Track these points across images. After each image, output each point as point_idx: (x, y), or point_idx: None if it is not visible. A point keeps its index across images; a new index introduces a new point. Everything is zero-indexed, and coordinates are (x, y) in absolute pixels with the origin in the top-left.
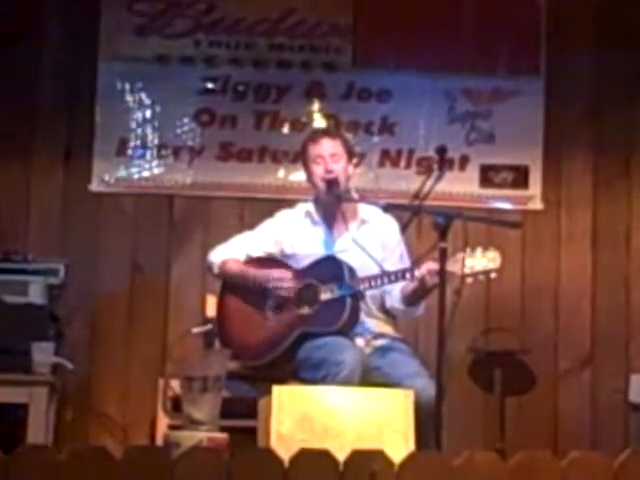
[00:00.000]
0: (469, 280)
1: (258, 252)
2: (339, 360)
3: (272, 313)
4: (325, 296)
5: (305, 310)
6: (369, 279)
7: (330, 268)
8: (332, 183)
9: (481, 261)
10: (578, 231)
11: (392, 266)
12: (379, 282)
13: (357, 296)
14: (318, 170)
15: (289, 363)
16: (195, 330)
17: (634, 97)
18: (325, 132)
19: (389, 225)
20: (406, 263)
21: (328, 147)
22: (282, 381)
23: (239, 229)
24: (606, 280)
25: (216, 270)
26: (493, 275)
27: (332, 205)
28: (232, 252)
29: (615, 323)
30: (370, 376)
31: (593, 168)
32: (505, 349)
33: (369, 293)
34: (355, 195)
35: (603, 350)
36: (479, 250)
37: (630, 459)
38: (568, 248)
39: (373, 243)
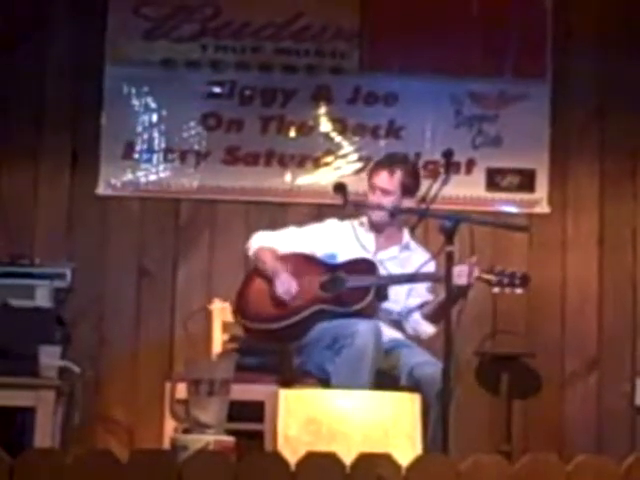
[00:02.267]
0: (495, 290)
1: (302, 249)
2: (352, 330)
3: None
4: (351, 284)
5: (327, 293)
6: (397, 276)
7: (363, 267)
8: (340, 188)
9: (508, 279)
10: (584, 234)
11: (418, 295)
12: (409, 279)
13: (382, 290)
14: (371, 197)
15: (299, 337)
16: (210, 307)
17: None
18: (387, 164)
19: (427, 260)
20: (430, 299)
21: (382, 181)
22: (289, 379)
23: (245, 233)
24: (613, 283)
25: (250, 252)
26: (518, 291)
27: (387, 227)
28: (272, 241)
29: (622, 326)
30: (382, 349)
31: (599, 171)
32: (511, 352)
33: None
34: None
35: (610, 353)
36: (511, 269)
37: (636, 463)
38: (574, 251)
39: (407, 269)
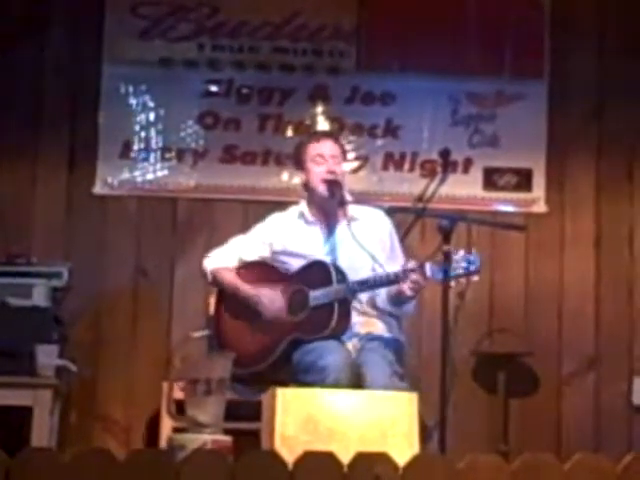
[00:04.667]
0: (452, 284)
1: (251, 256)
2: (323, 366)
3: (263, 321)
4: (314, 302)
5: (296, 317)
6: (357, 283)
7: (318, 273)
8: (334, 185)
9: (462, 264)
10: (581, 233)
11: (384, 260)
12: (365, 286)
13: (346, 300)
14: (318, 169)
15: (284, 368)
16: (195, 334)
17: (637, 100)
18: (325, 134)
19: (378, 220)
20: (398, 256)
21: (330, 148)
22: (283, 383)
23: (242, 232)
24: (610, 282)
25: (209, 278)
26: (475, 278)
27: (331, 207)
28: (225, 258)
29: (619, 325)
30: (357, 378)
31: (596, 171)
32: (509, 351)
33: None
34: (348, 196)
35: (607, 353)
36: (461, 252)
37: (634, 462)
38: (572, 250)
39: (362, 238)
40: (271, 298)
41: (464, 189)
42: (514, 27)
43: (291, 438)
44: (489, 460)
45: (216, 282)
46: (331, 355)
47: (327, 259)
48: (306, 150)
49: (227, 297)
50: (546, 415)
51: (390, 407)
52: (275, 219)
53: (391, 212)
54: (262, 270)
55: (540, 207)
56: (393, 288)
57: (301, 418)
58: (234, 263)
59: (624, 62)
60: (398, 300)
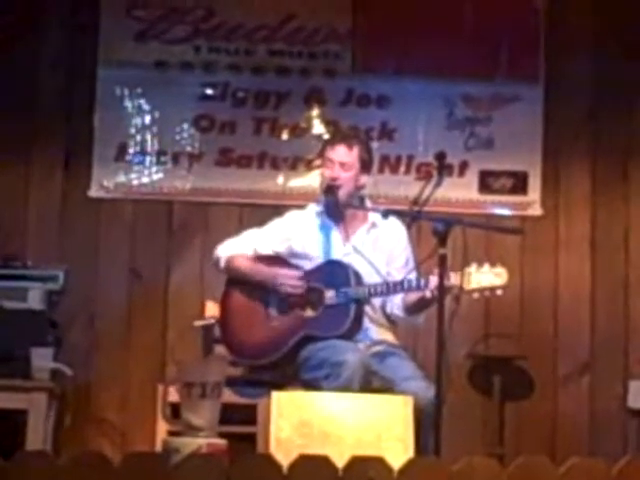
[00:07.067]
0: (475, 295)
1: (266, 250)
2: (341, 361)
3: (276, 313)
4: (330, 300)
5: (309, 313)
6: (375, 287)
7: (336, 272)
8: (331, 189)
9: (488, 277)
10: (577, 236)
11: (396, 270)
12: (385, 290)
13: (362, 302)
14: (326, 173)
15: (291, 364)
16: (197, 323)
17: (632, 103)
18: (344, 138)
19: (397, 230)
20: (411, 268)
21: (341, 155)
22: (283, 384)
23: (238, 235)
24: (605, 286)
25: (222, 264)
26: (499, 292)
27: (335, 210)
28: (240, 247)
29: (614, 329)
30: (369, 380)
31: (592, 174)
32: (504, 355)
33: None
34: (368, 202)
35: (602, 356)
36: (486, 265)
37: (629, 465)
38: (567, 253)
39: (380, 247)
40: (290, 274)
41: (460, 192)
42: (509, 30)
43: (286, 441)
44: (484, 463)
45: (230, 268)
46: (349, 353)
47: (345, 260)
48: (324, 152)
49: (237, 288)
50: (541, 418)
51: (385, 411)
52: (294, 217)
53: (386, 215)
54: (277, 263)
55: (535, 210)
56: (411, 297)
57: (296, 421)
58: (249, 253)
59: (619, 65)
60: (414, 309)
